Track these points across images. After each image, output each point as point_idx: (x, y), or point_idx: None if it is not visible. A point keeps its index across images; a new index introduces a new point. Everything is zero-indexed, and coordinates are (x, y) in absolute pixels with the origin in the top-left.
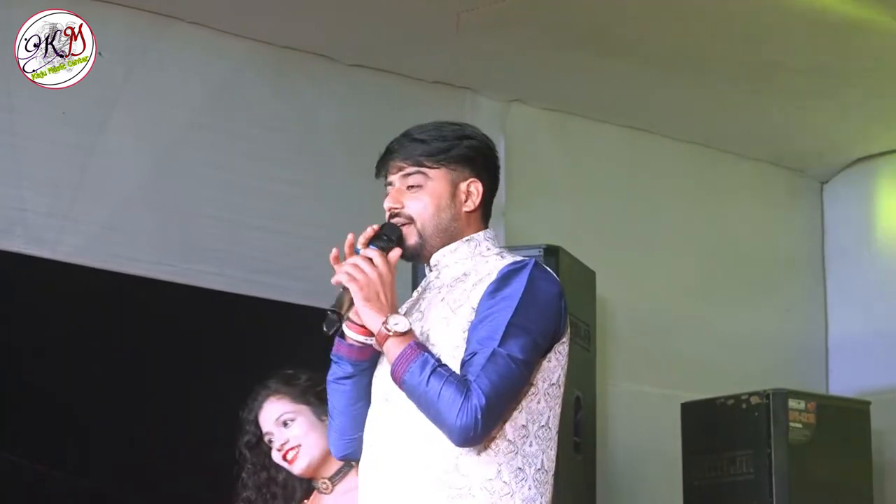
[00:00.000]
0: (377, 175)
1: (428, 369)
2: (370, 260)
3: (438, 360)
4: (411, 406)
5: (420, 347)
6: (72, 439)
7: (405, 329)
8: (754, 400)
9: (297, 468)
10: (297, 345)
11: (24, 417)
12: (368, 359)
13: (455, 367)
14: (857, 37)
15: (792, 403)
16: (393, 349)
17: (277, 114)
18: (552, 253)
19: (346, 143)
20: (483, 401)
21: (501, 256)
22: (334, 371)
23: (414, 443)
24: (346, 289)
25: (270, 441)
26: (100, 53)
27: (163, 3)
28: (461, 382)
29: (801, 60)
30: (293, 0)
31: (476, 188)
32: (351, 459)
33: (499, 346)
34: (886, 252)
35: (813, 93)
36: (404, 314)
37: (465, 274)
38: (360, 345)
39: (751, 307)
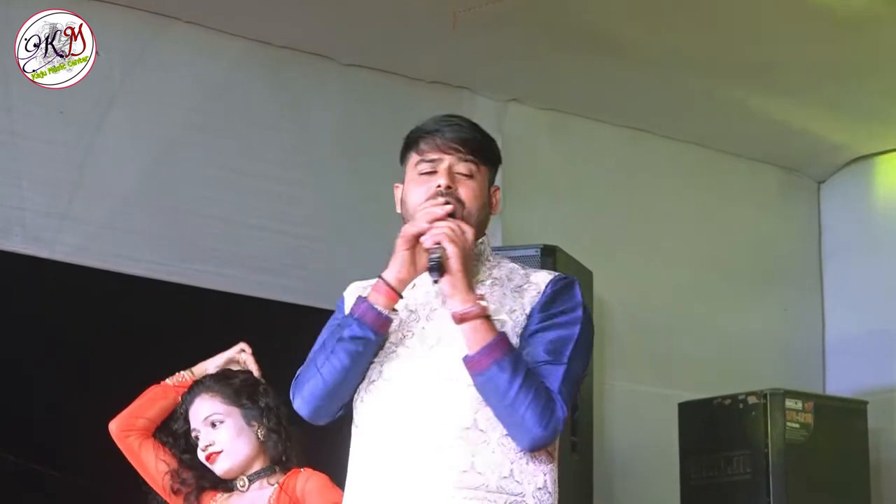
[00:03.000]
0: (412, 149)
1: (522, 370)
2: (464, 231)
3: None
4: (476, 402)
5: (508, 340)
6: (70, 439)
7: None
8: (751, 399)
9: (218, 470)
10: (296, 344)
11: (23, 417)
12: (385, 333)
13: None
14: (854, 36)
15: (789, 403)
16: (482, 332)
17: (275, 113)
18: (549, 253)
19: (344, 142)
20: (564, 415)
21: (512, 261)
22: (354, 331)
23: (478, 443)
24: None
25: (197, 438)
26: (98, 53)
27: (160, 2)
28: (548, 392)
29: (797, 60)
30: (291, 0)
31: (498, 196)
32: (315, 421)
33: (568, 363)
34: (883, 251)
35: (810, 93)
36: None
37: (493, 278)
38: (387, 317)
39: (748, 307)
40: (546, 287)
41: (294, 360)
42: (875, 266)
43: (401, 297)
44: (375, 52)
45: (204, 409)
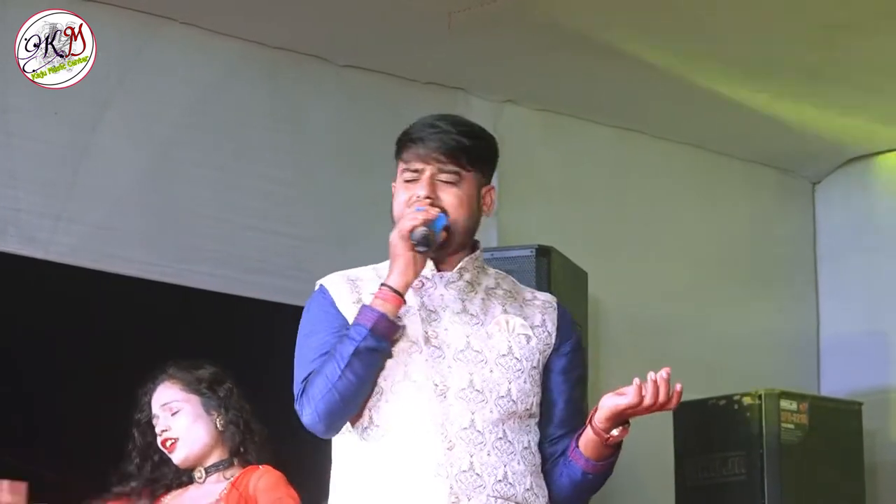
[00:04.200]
0: (400, 154)
1: None
2: None
3: None
4: (504, 414)
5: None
6: (66, 440)
7: None
8: (746, 400)
9: (175, 459)
10: (291, 346)
11: (19, 418)
12: (395, 341)
13: (525, 377)
14: (849, 37)
15: (784, 404)
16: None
17: (270, 114)
18: (544, 253)
19: (339, 143)
20: None
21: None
22: (370, 343)
23: (507, 453)
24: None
25: (156, 424)
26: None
27: (156, 3)
28: None
29: (792, 61)
30: (286, 1)
31: (492, 196)
32: (327, 435)
33: None
34: (878, 252)
35: (805, 93)
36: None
37: (498, 285)
38: (399, 325)
39: (743, 307)
40: (570, 325)
41: (290, 362)
42: (870, 267)
43: (405, 301)
44: (371, 54)
45: (164, 396)
